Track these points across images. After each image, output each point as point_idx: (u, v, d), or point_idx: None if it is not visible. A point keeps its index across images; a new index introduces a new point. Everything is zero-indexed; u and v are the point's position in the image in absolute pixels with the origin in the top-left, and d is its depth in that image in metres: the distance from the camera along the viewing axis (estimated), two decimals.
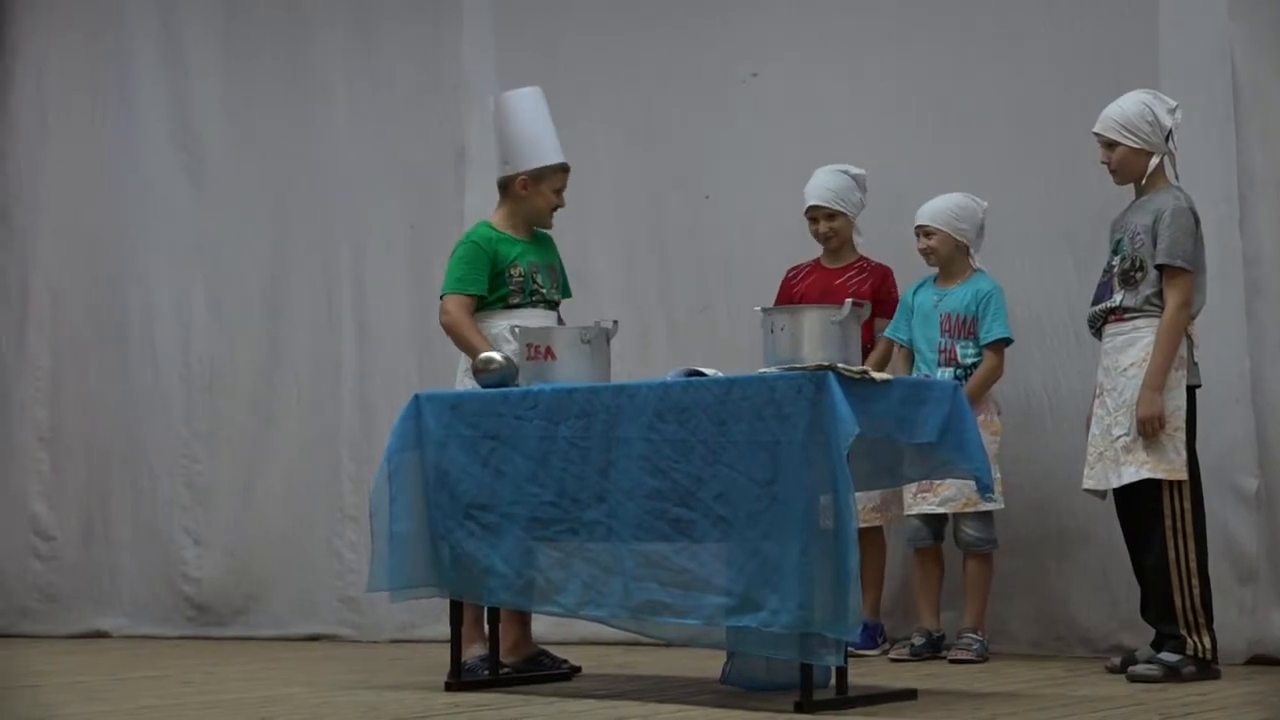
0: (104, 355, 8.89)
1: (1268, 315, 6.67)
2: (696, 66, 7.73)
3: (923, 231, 6.80)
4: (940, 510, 6.69)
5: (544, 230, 6.52)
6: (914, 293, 6.87)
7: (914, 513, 6.72)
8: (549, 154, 6.40)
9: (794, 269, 7.12)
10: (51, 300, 9.04)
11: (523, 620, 6.25)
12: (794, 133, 7.41)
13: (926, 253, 6.82)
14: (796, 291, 7.01)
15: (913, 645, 6.69)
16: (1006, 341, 6.75)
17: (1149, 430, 5.83)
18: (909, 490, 6.64)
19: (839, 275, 7.01)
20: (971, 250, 6.82)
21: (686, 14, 7.79)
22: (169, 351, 8.75)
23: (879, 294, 6.91)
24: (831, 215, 6.97)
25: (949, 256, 6.82)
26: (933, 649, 6.69)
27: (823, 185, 6.97)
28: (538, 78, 6.67)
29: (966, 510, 6.63)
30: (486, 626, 6.11)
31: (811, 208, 6.99)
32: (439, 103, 8.19)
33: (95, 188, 8.98)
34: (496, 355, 5.99)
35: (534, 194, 6.40)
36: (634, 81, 7.88)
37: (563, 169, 6.43)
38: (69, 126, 9.06)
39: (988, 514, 6.66)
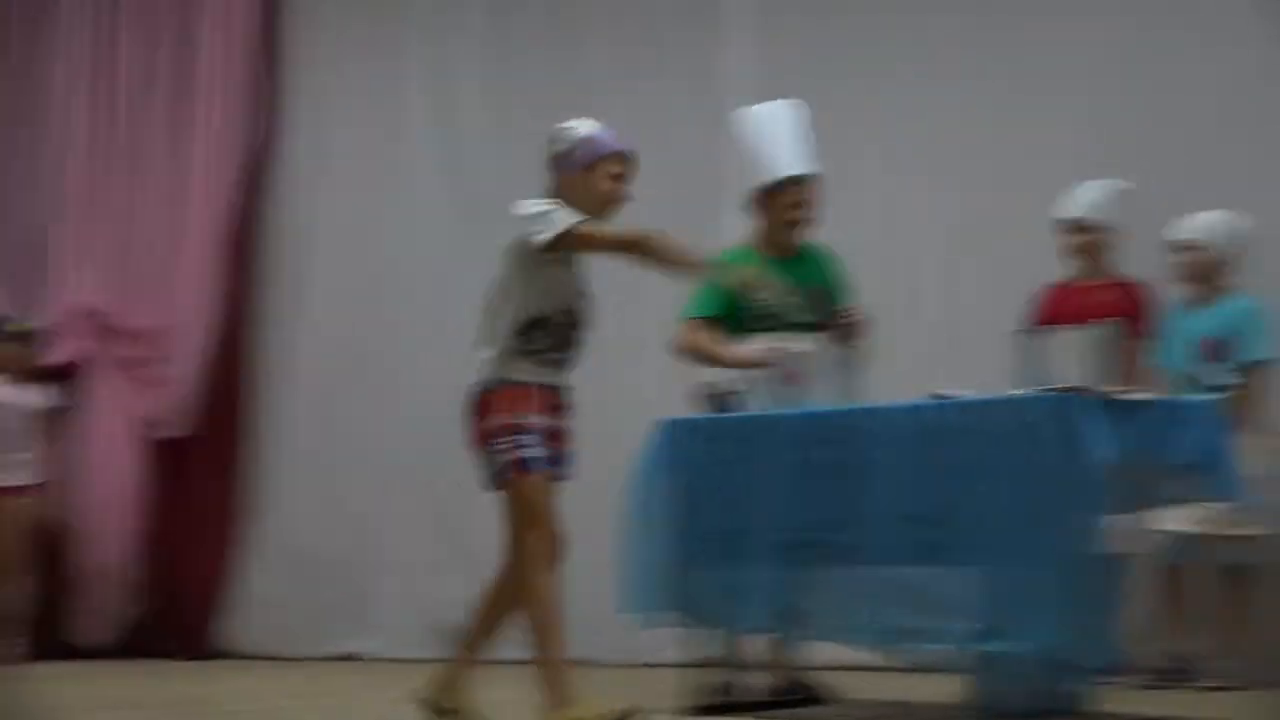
0: (363, 383, 9.13)
1: None
2: (963, 89, 7.70)
3: (1183, 247, 6.69)
4: (1194, 530, 6.49)
5: (814, 245, 6.45)
6: (1173, 317, 6.72)
7: (1167, 529, 6.53)
8: (772, 169, 6.32)
9: (1049, 286, 7.00)
10: (319, 323, 9.29)
11: (777, 645, 6.24)
12: (1048, 148, 7.35)
13: (1184, 271, 6.70)
14: (1050, 309, 6.89)
15: (1155, 670, 6.50)
16: (1268, 363, 6.57)
17: None
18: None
19: (1094, 293, 6.88)
20: (1230, 270, 6.67)
21: (960, 30, 7.78)
22: (424, 378, 8.86)
23: (1135, 312, 6.75)
24: (1086, 229, 6.86)
25: (1207, 275, 6.69)
26: (1177, 674, 6.50)
27: (1082, 198, 6.90)
28: (800, 93, 6.64)
29: (1222, 533, 6.46)
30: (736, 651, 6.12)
31: (1067, 220, 6.90)
32: (699, 127, 8.25)
33: (365, 215, 9.25)
34: (722, 380, 6.00)
35: (766, 210, 6.36)
36: (898, 102, 7.87)
37: (795, 182, 6.29)
38: (344, 155, 9.34)
39: (1249, 537, 6.46)
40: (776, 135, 6.35)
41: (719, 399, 6.01)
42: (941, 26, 7.81)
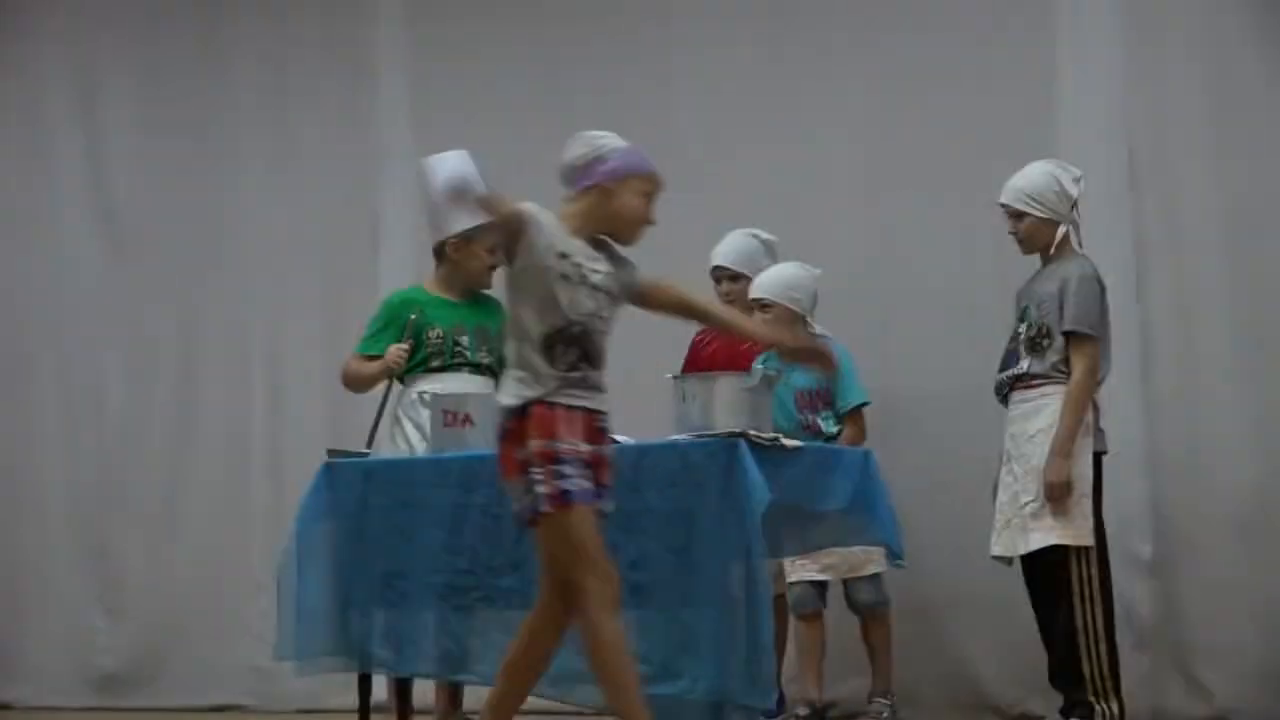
0: (15, 420, 8.84)
1: (1162, 383, 6.80)
2: (621, 134, 7.77)
3: (758, 305, 6.65)
4: (823, 577, 6.67)
5: (485, 292, 6.50)
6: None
7: (795, 579, 6.68)
8: (477, 215, 6.32)
9: (701, 332, 7.00)
10: None
11: (451, 691, 6.22)
12: (708, 198, 7.45)
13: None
14: (704, 355, 6.92)
15: (798, 716, 6.64)
16: (864, 405, 6.73)
17: (1057, 496, 5.88)
18: (788, 558, 6.54)
19: (745, 340, 6.91)
20: (809, 319, 6.75)
21: (604, 83, 7.84)
22: (81, 417, 8.72)
23: None
24: (734, 277, 6.87)
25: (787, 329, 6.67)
26: (825, 716, 6.66)
27: (728, 247, 6.91)
28: (453, 143, 6.65)
29: (852, 575, 6.64)
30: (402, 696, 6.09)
31: (715, 268, 6.93)
32: (354, 167, 8.23)
33: (9, 250, 8.95)
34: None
35: (466, 256, 6.40)
36: (550, 144, 7.91)
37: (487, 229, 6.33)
38: None
39: (877, 575, 6.62)
40: (467, 184, 6.36)
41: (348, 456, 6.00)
42: (592, 74, 7.90)
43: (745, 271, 6.89)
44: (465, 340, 6.39)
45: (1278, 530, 6.62)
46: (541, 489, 4.67)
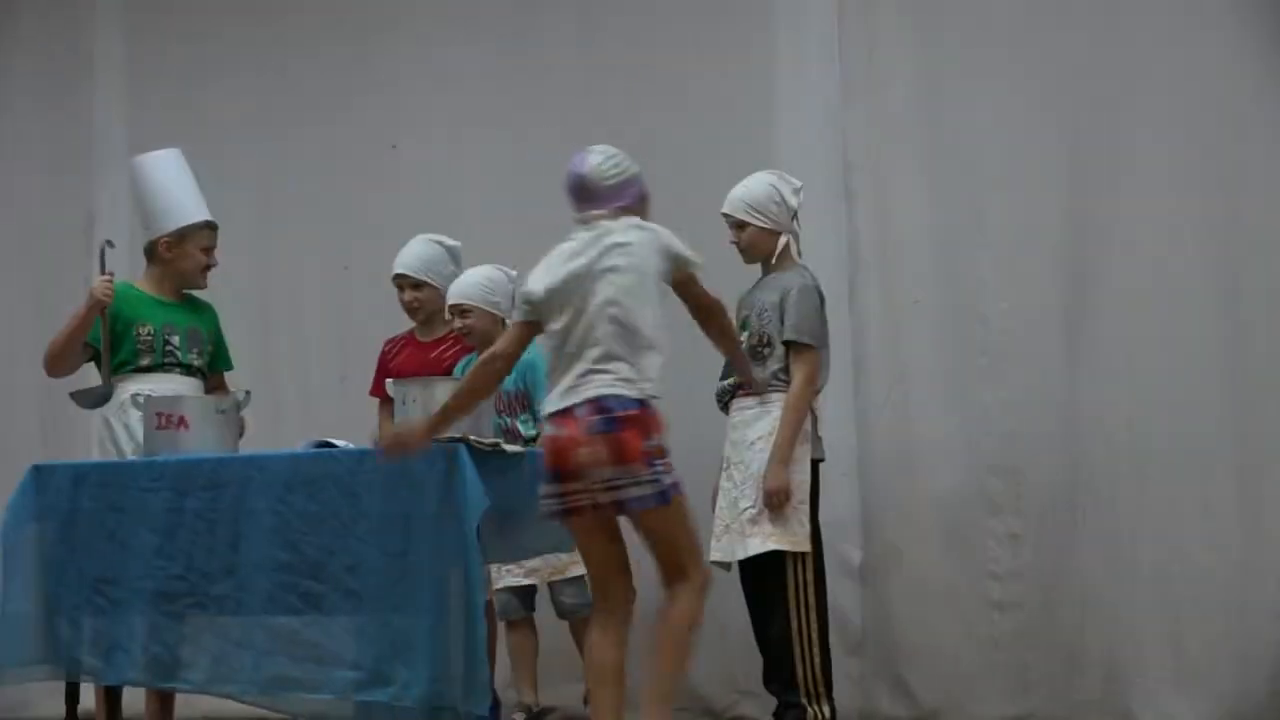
0: None
1: (872, 391, 6.94)
2: (335, 136, 7.74)
3: (457, 311, 6.55)
4: (527, 581, 6.67)
5: (196, 295, 6.43)
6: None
7: (501, 586, 6.67)
8: (190, 213, 6.29)
9: (390, 342, 6.89)
10: None
11: (162, 698, 6.11)
12: (431, 204, 7.44)
13: (465, 332, 6.58)
14: (393, 365, 6.77)
15: (534, 716, 6.67)
16: None
17: (776, 503, 5.96)
18: (494, 565, 6.53)
19: (434, 348, 6.77)
20: (509, 322, 6.70)
21: (325, 83, 7.79)
22: None
23: None
24: (417, 285, 6.73)
25: (488, 333, 6.47)
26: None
27: (411, 254, 6.74)
28: (171, 143, 6.55)
29: (556, 579, 6.66)
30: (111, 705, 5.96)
31: (397, 276, 6.78)
32: (67, 168, 8.04)
33: None
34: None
35: (179, 255, 6.30)
36: (271, 150, 7.85)
37: (208, 227, 6.32)
38: None
39: (581, 577, 6.55)
40: (178, 182, 6.32)
41: (89, 395, 5.97)
42: (316, 71, 7.88)
43: (429, 279, 6.75)
44: (176, 340, 6.29)
45: (981, 536, 6.79)
46: (667, 479, 4.93)
